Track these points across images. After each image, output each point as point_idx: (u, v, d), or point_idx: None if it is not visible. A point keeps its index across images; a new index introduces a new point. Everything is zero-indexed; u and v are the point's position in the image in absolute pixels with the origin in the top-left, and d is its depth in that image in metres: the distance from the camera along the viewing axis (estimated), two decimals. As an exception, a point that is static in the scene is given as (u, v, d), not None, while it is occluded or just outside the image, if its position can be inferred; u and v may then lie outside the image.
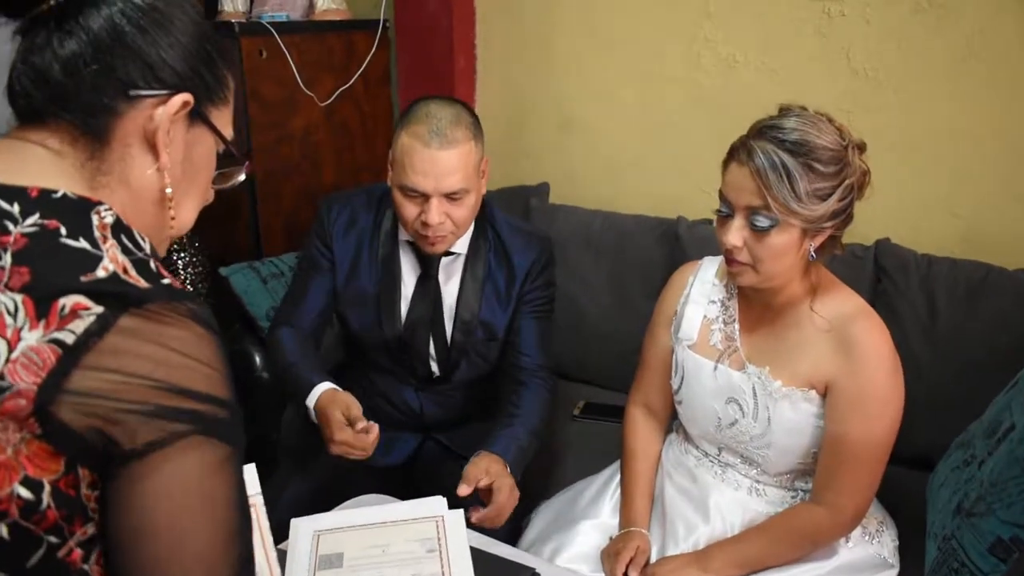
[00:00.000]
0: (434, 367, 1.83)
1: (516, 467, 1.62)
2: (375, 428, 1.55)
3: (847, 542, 1.49)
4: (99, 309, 0.68)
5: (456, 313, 1.78)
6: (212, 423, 0.71)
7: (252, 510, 0.97)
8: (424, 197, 1.61)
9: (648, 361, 1.69)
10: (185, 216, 0.86)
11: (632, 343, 2.15)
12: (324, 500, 1.55)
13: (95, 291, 0.69)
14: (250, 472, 0.98)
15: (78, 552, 0.70)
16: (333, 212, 1.82)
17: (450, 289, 1.79)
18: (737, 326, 1.53)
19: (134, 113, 0.78)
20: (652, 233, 2.33)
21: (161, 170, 0.80)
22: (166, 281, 0.74)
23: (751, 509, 1.53)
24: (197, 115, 0.82)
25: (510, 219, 1.85)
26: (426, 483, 1.67)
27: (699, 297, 1.58)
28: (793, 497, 1.53)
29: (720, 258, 1.58)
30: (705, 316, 1.56)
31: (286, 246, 2.61)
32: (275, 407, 2.41)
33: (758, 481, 1.54)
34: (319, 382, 1.64)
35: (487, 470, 1.55)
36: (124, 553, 0.69)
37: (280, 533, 1.39)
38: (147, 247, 0.77)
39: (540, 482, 1.94)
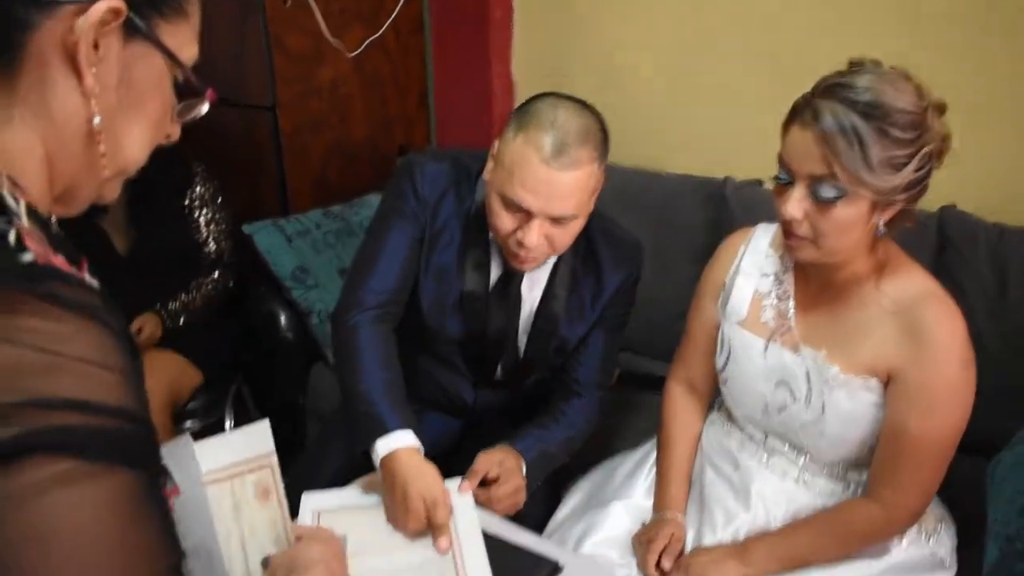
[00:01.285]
0: (499, 372, 1.68)
1: (535, 471, 1.50)
2: (447, 543, 1.28)
3: (901, 541, 1.38)
4: None
5: (534, 324, 1.61)
6: (77, 436, 0.54)
7: (269, 472, 0.88)
8: (526, 214, 1.38)
9: (692, 335, 1.57)
10: (128, 154, 0.70)
11: (673, 310, 2.05)
12: (356, 474, 1.45)
13: None
14: (262, 429, 0.88)
15: None
16: (427, 175, 1.55)
17: (532, 297, 1.61)
18: (792, 303, 1.40)
19: (50, 24, 0.62)
20: (697, 194, 2.21)
21: (87, 95, 0.64)
22: (29, 257, 0.57)
23: (797, 500, 1.43)
24: (135, 28, 0.65)
25: (605, 224, 1.62)
26: (465, 466, 1.51)
27: (750, 269, 1.45)
28: (844, 490, 1.42)
29: (776, 225, 1.46)
30: (756, 290, 1.44)
31: (313, 203, 2.52)
32: (301, 370, 2.35)
33: (806, 470, 1.43)
34: (396, 427, 1.36)
35: (500, 462, 1.44)
36: None
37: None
38: (18, 208, 0.60)
39: (574, 457, 1.84)
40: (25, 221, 0.60)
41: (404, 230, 1.54)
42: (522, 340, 1.63)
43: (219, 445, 0.87)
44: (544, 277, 1.59)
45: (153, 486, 0.59)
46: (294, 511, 1.33)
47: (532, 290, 1.60)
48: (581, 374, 1.65)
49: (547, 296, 1.59)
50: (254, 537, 0.85)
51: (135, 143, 0.70)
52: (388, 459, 1.32)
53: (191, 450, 0.80)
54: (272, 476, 0.87)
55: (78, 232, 2.16)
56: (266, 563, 0.83)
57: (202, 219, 2.28)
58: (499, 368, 1.66)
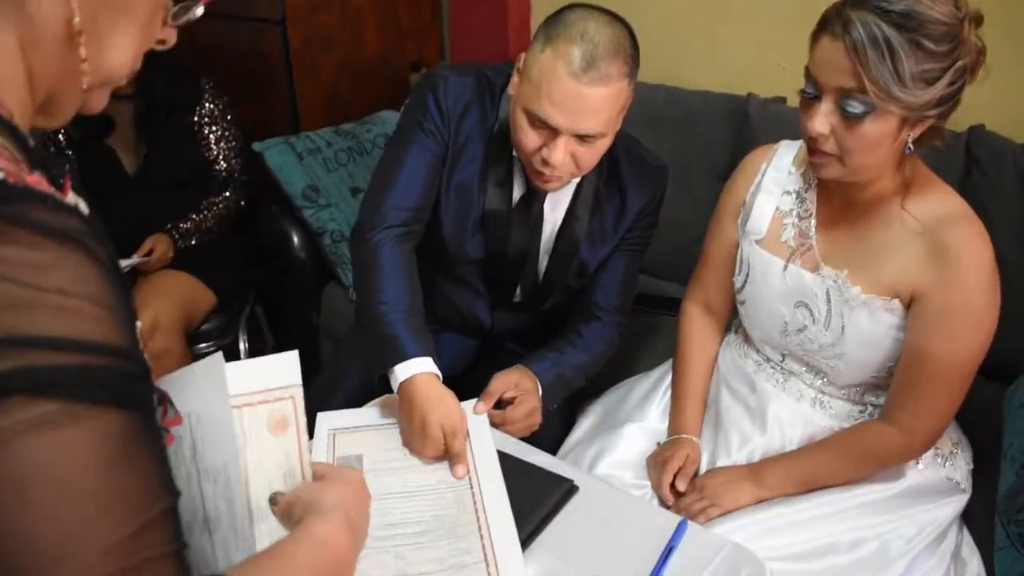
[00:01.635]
0: (518, 294, 1.65)
1: (550, 394, 1.48)
2: (463, 470, 1.26)
3: (917, 464, 1.37)
4: None
5: (555, 246, 1.57)
6: (57, 376, 0.50)
7: (291, 404, 0.83)
8: (552, 131, 1.33)
9: (710, 255, 1.54)
10: (112, 60, 0.63)
11: (692, 232, 2.01)
12: (368, 398, 1.44)
13: None
14: (290, 360, 0.83)
15: None
16: (450, 89, 1.49)
17: (553, 217, 1.56)
18: (813, 222, 1.36)
19: None
20: (719, 111, 2.14)
21: None
22: None
23: (813, 423, 1.41)
24: None
25: (631, 144, 1.56)
26: (480, 387, 1.50)
27: (772, 187, 1.41)
28: (861, 412, 1.40)
29: (799, 143, 1.41)
30: (777, 208, 1.40)
31: (324, 121, 2.47)
32: (314, 290, 2.34)
33: (823, 392, 1.42)
34: (415, 354, 1.32)
35: (516, 383, 1.42)
36: None
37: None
38: None
39: (592, 379, 1.83)
40: None
41: (426, 146, 1.49)
42: (542, 262, 1.60)
43: (241, 371, 0.84)
44: (567, 198, 1.55)
45: (146, 426, 0.55)
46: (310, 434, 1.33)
47: (554, 210, 1.56)
48: (600, 298, 1.63)
49: (569, 218, 1.55)
50: (259, 471, 0.82)
51: (119, 48, 0.63)
52: (406, 385, 1.30)
53: (222, 369, 0.77)
54: (293, 408, 0.83)
55: (86, 152, 2.16)
56: (274, 500, 0.79)
57: (212, 137, 2.24)
58: (518, 290, 1.64)
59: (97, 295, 0.53)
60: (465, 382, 1.67)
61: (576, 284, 1.63)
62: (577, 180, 1.52)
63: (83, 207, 0.56)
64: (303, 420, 0.85)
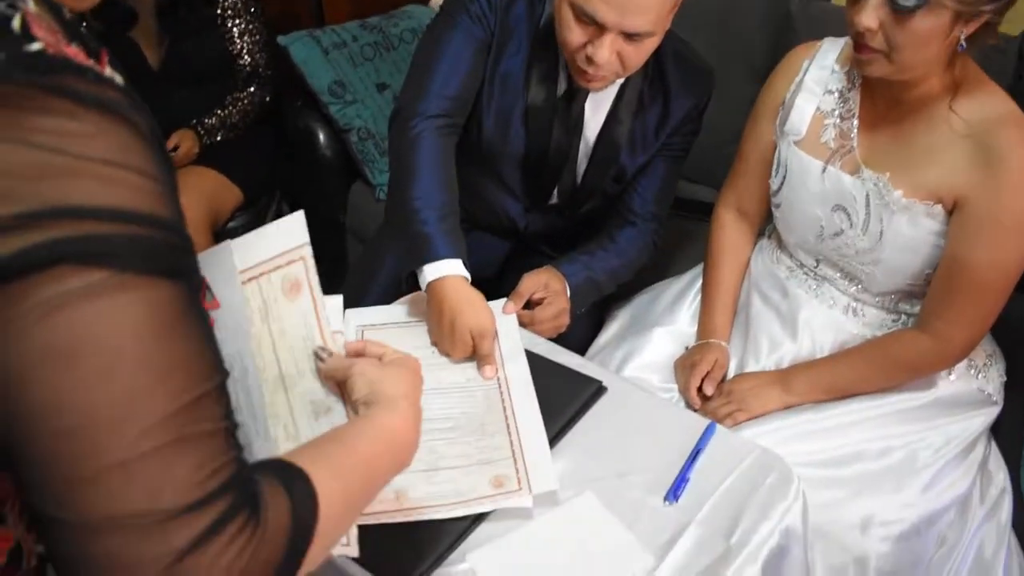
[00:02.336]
0: (554, 196, 1.61)
1: (579, 297, 1.46)
2: (492, 371, 1.25)
3: (949, 375, 1.36)
4: None
5: (594, 149, 1.52)
6: (104, 245, 0.49)
7: (301, 264, 0.81)
8: (599, 28, 1.26)
9: (745, 157, 1.49)
10: None
11: (727, 134, 1.96)
12: (397, 296, 1.42)
13: None
14: (296, 220, 0.82)
15: None
16: None
17: (595, 120, 1.51)
18: (856, 122, 1.31)
19: None
20: (758, 8, 2.05)
21: None
22: (36, 46, 0.50)
23: (845, 330, 1.39)
24: None
25: (678, 46, 1.50)
26: (509, 287, 1.48)
27: (814, 86, 1.35)
28: (895, 321, 1.38)
29: (844, 40, 1.35)
30: (819, 108, 1.35)
31: (350, 14, 2.40)
32: (341, 188, 2.32)
33: (857, 300, 1.39)
34: (447, 255, 1.28)
35: (546, 284, 1.41)
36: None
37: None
38: None
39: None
40: (32, 5, 0.53)
41: (471, 31, 1.42)
42: (581, 164, 1.56)
43: (250, 242, 0.81)
44: (609, 100, 1.49)
45: (193, 300, 0.55)
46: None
47: (596, 112, 1.50)
48: (637, 204, 1.59)
49: (611, 120, 1.50)
50: (283, 338, 0.80)
51: None
52: (436, 285, 1.27)
53: (230, 256, 0.76)
54: (304, 268, 0.80)
55: (109, 45, 2.11)
56: (320, 356, 0.79)
57: (235, 30, 2.19)
58: (555, 192, 1.60)
59: (142, 166, 0.52)
60: (495, 283, 1.67)
61: (613, 190, 1.60)
62: (621, 82, 1.46)
63: (119, 81, 0.55)
64: (315, 279, 0.83)
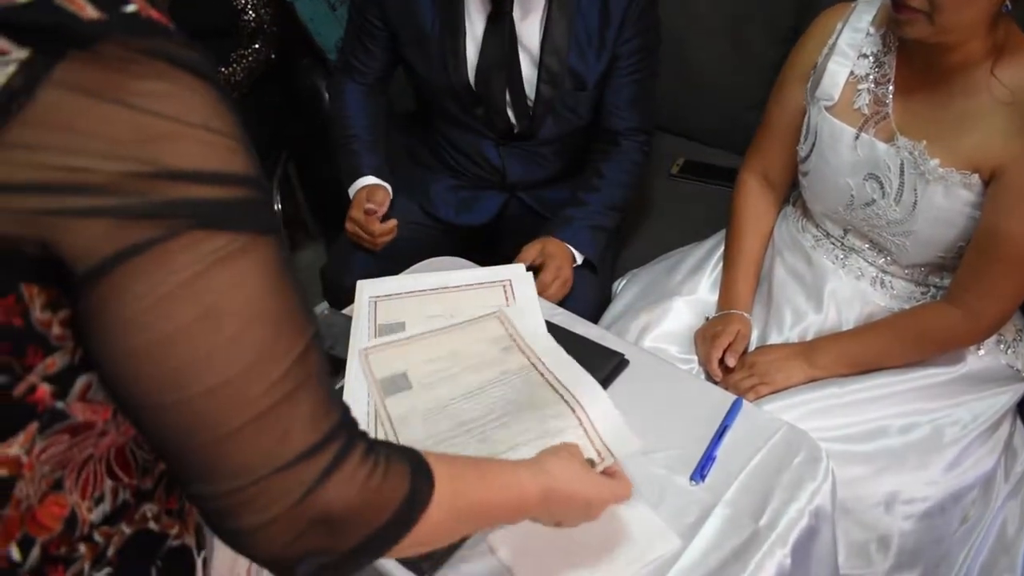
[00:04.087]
0: (512, 119, 1.59)
1: (592, 247, 1.48)
2: (390, 223, 1.55)
3: (979, 350, 1.32)
4: (23, 53, 0.47)
5: (540, 60, 1.50)
6: (221, 210, 0.52)
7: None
8: None
9: (772, 122, 1.44)
10: None
11: (747, 98, 1.90)
12: (398, 263, 1.42)
13: (15, 24, 0.47)
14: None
15: (45, 388, 0.55)
16: None
17: (529, 29, 1.49)
18: (891, 88, 1.26)
19: None
20: (782, -34, 1.97)
21: None
22: (131, 8, 0.50)
23: (872, 303, 1.35)
24: None
25: None
26: (510, 244, 1.53)
27: (847, 49, 1.30)
28: (923, 293, 1.34)
29: (879, 1, 1.29)
30: (852, 73, 1.29)
31: (358, -33, 2.31)
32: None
33: (885, 271, 1.35)
34: (366, 174, 1.61)
35: (542, 250, 1.44)
36: (124, 382, 0.53)
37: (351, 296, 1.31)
38: None
39: (630, 247, 1.78)
40: None
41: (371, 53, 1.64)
42: (531, 82, 1.53)
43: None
44: (540, 4, 1.48)
45: (285, 251, 0.57)
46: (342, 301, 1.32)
47: (526, 19, 1.49)
48: (616, 124, 1.58)
49: (548, 23, 1.48)
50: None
51: None
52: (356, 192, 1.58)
53: None
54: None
55: None
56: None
57: (240, -14, 2.12)
58: (511, 115, 1.58)
59: (232, 128, 0.53)
60: (493, 237, 1.72)
61: (578, 104, 1.56)
62: None
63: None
64: None
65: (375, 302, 1.27)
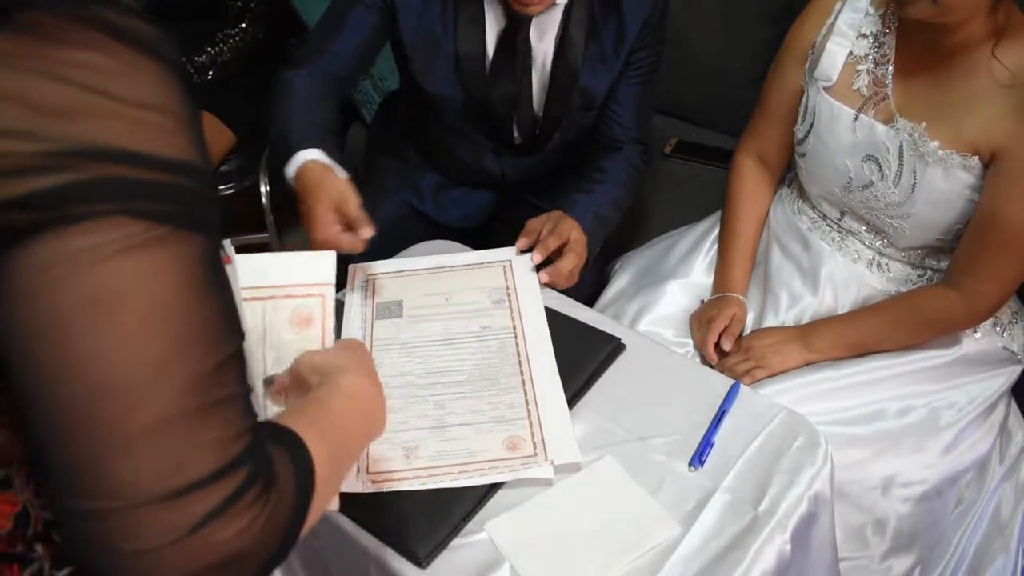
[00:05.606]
0: (517, 135, 1.54)
1: (592, 238, 1.39)
2: (370, 230, 1.15)
3: (975, 332, 1.32)
4: None
5: (552, 78, 1.45)
6: (140, 194, 0.47)
7: (319, 301, 0.80)
8: None
9: (769, 102, 1.42)
10: None
11: (739, 79, 1.89)
12: (388, 251, 1.38)
13: None
14: (327, 259, 0.82)
15: None
16: None
17: (544, 47, 1.44)
18: (891, 68, 1.24)
19: None
20: (776, -56, 1.95)
21: None
22: None
23: (868, 286, 1.35)
24: None
25: None
26: (505, 238, 1.44)
27: (846, 29, 1.28)
28: (920, 276, 1.34)
29: (880, -20, 1.27)
30: (851, 53, 1.27)
31: (346, -56, 2.28)
32: (338, 129, 2.23)
33: (882, 254, 1.34)
34: (306, 147, 1.21)
35: (549, 217, 1.34)
36: (16, 365, 0.48)
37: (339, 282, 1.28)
38: None
39: (624, 230, 1.76)
40: None
41: (361, 16, 1.38)
42: (539, 98, 1.49)
43: (272, 263, 0.82)
44: (556, 22, 1.42)
45: (217, 255, 0.52)
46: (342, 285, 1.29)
47: (542, 40, 1.43)
48: (617, 131, 1.53)
49: (562, 43, 1.42)
50: (278, 364, 0.79)
51: None
52: (298, 178, 1.18)
53: (235, 270, 0.73)
54: (321, 306, 0.79)
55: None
56: (270, 380, 0.77)
57: (226, -38, 2.08)
58: (516, 132, 1.54)
59: (175, 108, 0.49)
60: (482, 233, 1.65)
61: (584, 120, 1.53)
62: (564, 2, 1.39)
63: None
64: (331, 319, 0.82)
65: (372, 280, 1.26)
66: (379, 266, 1.30)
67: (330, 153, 1.22)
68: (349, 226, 1.14)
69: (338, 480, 0.67)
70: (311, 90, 1.34)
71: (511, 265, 1.29)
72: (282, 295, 0.80)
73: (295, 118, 1.28)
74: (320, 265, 0.82)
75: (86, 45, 0.46)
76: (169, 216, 0.48)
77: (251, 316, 0.80)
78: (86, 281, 0.46)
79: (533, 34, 1.42)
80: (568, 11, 1.39)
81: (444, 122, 1.53)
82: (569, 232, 1.31)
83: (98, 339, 0.46)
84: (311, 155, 1.20)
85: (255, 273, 0.79)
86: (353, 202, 1.15)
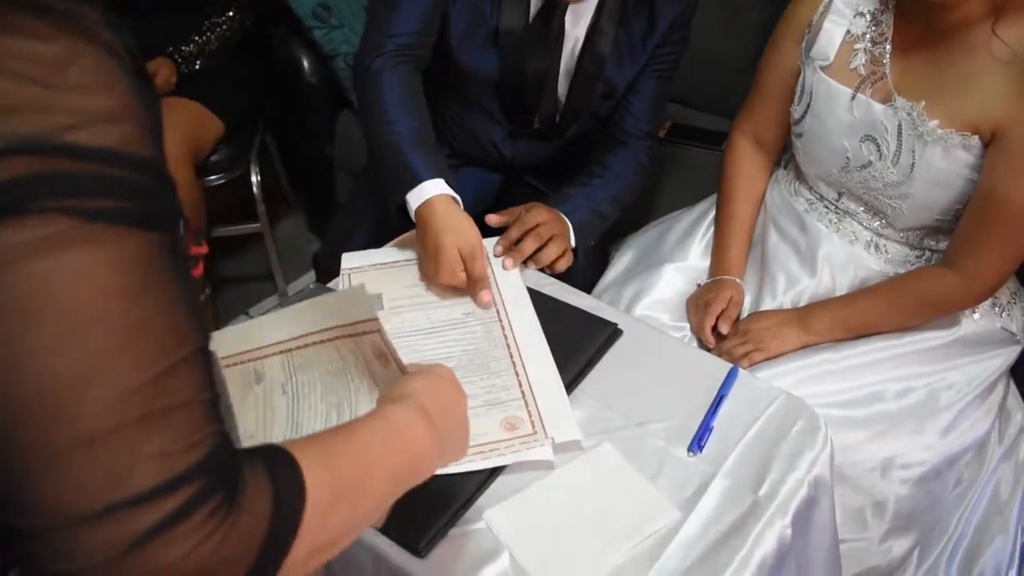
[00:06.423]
0: (536, 120, 1.53)
1: (586, 231, 1.38)
2: (488, 296, 1.18)
3: (974, 313, 1.31)
4: None
5: (578, 65, 1.44)
6: (66, 187, 0.43)
7: (378, 336, 0.76)
8: None
9: (764, 81, 1.41)
10: None
11: (736, 62, 1.87)
12: (390, 237, 1.36)
13: None
14: (365, 297, 0.79)
15: None
16: None
17: (576, 33, 1.43)
18: (888, 47, 1.23)
19: None
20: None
21: None
22: None
23: (866, 267, 1.34)
24: None
25: None
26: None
27: (843, 7, 1.26)
28: (919, 257, 1.32)
29: (876, -43, 1.25)
30: (848, 32, 1.26)
31: (334, -72, 2.24)
32: (327, 119, 2.21)
33: (880, 235, 1.33)
34: (428, 177, 1.21)
35: (524, 207, 1.32)
36: None
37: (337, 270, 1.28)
38: None
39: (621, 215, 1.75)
40: None
41: None
42: (563, 84, 1.48)
43: (322, 304, 0.80)
44: (590, 11, 1.41)
45: (172, 252, 0.48)
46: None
47: (576, 26, 1.42)
48: (628, 124, 1.52)
49: (593, 32, 1.41)
50: (372, 394, 0.79)
51: None
52: (422, 210, 1.19)
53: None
54: (382, 339, 0.76)
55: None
56: None
57: (213, -51, 2.05)
58: (536, 116, 1.52)
59: (119, 97, 0.46)
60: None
61: (602, 109, 1.52)
62: None
63: None
64: (396, 351, 0.78)
65: (348, 276, 1.25)
66: (365, 257, 1.28)
67: (449, 182, 1.23)
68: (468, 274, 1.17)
69: (348, 511, 0.57)
70: (406, 88, 1.32)
71: (487, 249, 1.26)
72: (354, 332, 0.78)
73: (405, 138, 1.26)
74: (360, 301, 0.79)
75: (19, 31, 0.43)
76: (107, 212, 0.44)
77: (330, 360, 0.79)
78: (6, 282, 0.42)
79: (568, 19, 1.41)
80: (602, 3, 1.39)
81: (469, 95, 1.51)
82: (535, 221, 1.29)
83: (18, 346, 0.43)
84: (437, 188, 1.21)
85: (318, 317, 0.78)
86: (481, 261, 1.17)
